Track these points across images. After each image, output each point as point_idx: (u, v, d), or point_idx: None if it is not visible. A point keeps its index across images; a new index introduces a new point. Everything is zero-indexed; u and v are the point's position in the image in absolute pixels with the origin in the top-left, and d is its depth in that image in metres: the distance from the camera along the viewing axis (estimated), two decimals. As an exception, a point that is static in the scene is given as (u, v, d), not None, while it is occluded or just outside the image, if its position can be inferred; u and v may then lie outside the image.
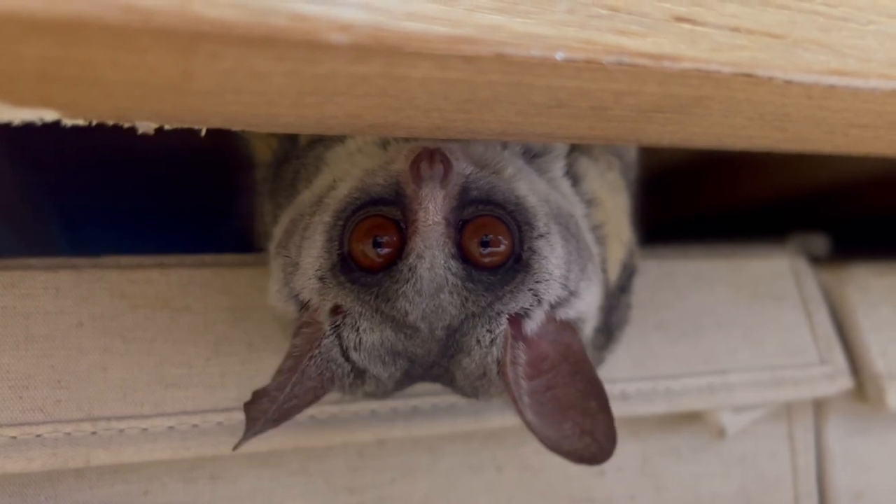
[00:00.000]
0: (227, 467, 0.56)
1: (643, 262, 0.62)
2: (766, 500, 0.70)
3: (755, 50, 0.38)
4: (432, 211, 0.45)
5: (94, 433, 0.52)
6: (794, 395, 0.69)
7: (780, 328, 0.71)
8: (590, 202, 0.55)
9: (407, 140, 0.50)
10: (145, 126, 0.37)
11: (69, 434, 0.51)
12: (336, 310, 0.47)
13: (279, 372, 0.47)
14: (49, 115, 0.34)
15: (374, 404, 0.57)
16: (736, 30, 0.38)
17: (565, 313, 0.49)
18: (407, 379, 0.50)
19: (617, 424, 0.65)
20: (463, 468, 0.62)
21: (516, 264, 0.47)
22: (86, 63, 0.31)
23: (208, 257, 0.59)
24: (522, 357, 0.48)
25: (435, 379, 0.51)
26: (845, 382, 0.70)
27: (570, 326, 0.49)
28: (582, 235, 0.52)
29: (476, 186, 0.47)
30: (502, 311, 0.47)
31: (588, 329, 0.52)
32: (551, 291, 0.48)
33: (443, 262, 0.46)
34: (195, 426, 0.54)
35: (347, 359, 0.48)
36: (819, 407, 0.72)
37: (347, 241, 0.47)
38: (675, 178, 0.99)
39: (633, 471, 0.66)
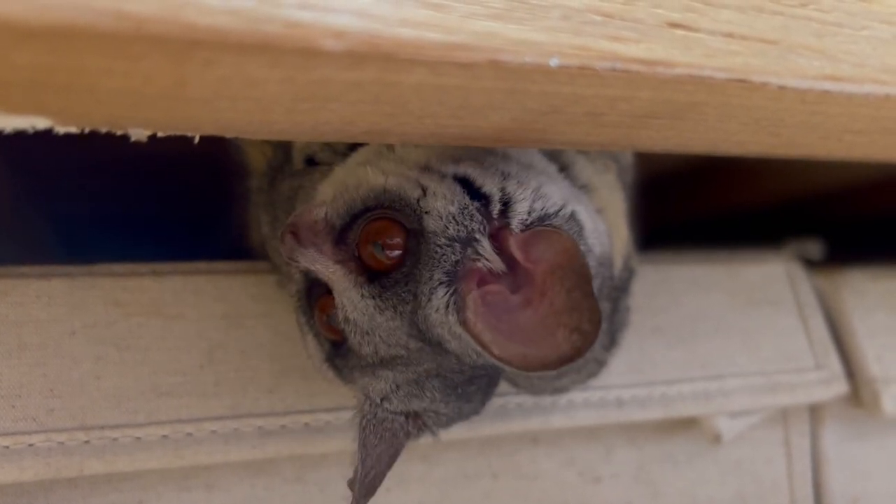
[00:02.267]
0: (223, 476, 0.56)
1: (639, 268, 0.62)
2: (763, 506, 0.70)
3: (749, 55, 0.38)
4: (324, 266, 0.46)
5: (87, 442, 0.51)
6: (789, 401, 0.69)
7: (776, 333, 0.71)
8: (584, 188, 0.53)
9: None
10: (138, 133, 0.36)
11: (62, 443, 0.51)
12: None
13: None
14: (41, 123, 0.34)
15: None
16: (730, 35, 0.38)
17: (514, 224, 0.46)
18: (459, 382, 0.49)
19: (613, 431, 0.65)
20: (458, 476, 0.62)
21: (418, 237, 0.45)
22: (78, 71, 0.31)
23: (202, 265, 0.59)
24: (490, 297, 0.45)
25: (481, 371, 0.49)
26: (841, 387, 0.70)
27: (540, 229, 0.46)
28: (517, 159, 0.49)
29: (336, 215, 0.47)
30: (437, 285, 0.45)
31: (589, 235, 0.49)
32: (469, 227, 0.45)
33: (357, 294, 0.46)
34: (189, 435, 0.53)
35: (385, 409, 0.49)
36: (815, 412, 0.72)
37: (317, 327, 0.50)
38: (671, 183, 0.99)
39: (629, 477, 0.66)
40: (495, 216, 0.46)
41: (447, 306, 0.44)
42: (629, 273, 0.59)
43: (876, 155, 0.51)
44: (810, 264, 0.77)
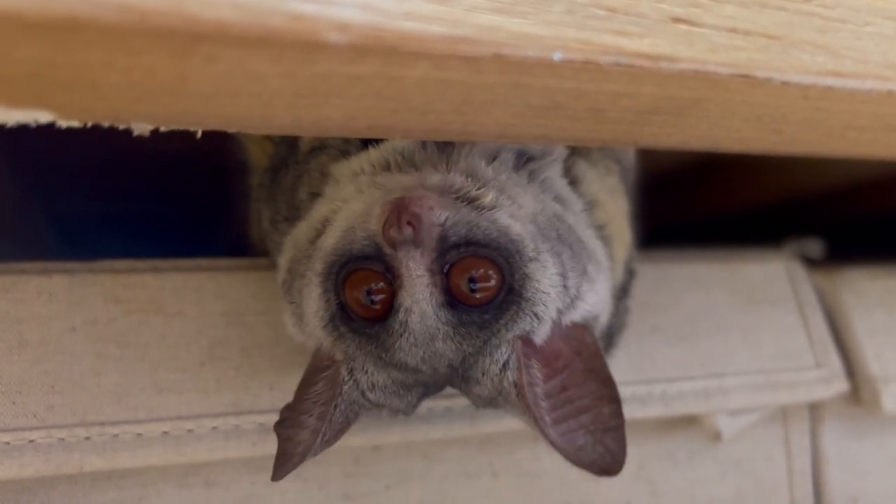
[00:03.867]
0: (223, 473, 0.56)
1: (640, 266, 0.62)
2: (763, 505, 0.70)
3: (752, 51, 0.38)
4: (413, 268, 0.46)
5: (87, 439, 0.51)
6: (789, 399, 0.69)
7: (776, 332, 0.71)
8: (591, 203, 0.55)
9: (404, 161, 0.50)
10: (141, 128, 0.36)
11: (63, 440, 0.51)
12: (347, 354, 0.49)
13: (304, 412, 0.49)
14: (44, 117, 0.33)
15: (370, 409, 0.57)
16: (733, 31, 0.38)
17: (570, 318, 0.50)
18: (427, 395, 0.52)
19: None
20: (459, 474, 0.62)
21: (509, 294, 0.47)
22: (80, 64, 0.31)
23: (203, 261, 0.59)
24: (538, 374, 0.48)
25: (455, 387, 0.51)
26: (841, 386, 0.70)
27: (581, 325, 0.50)
28: (576, 237, 0.52)
29: (454, 232, 0.47)
30: (502, 341, 0.48)
31: (602, 321, 0.53)
32: (550, 308, 0.48)
33: (432, 312, 0.46)
34: (190, 431, 0.53)
35: (365, 398, 0.49)
36: (815, 410, 0.72)
37: (342, 293, 0.48)
38: (672, 182, 0.99)
39: (628, 475, 0.66)
40: (563, 307, 0.49)
41: (505, 366, 0.48)
42: (630, 276, 0.59)
43: (878, 152, 0.51)
44: (810, 263, 0.77)
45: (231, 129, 0.40)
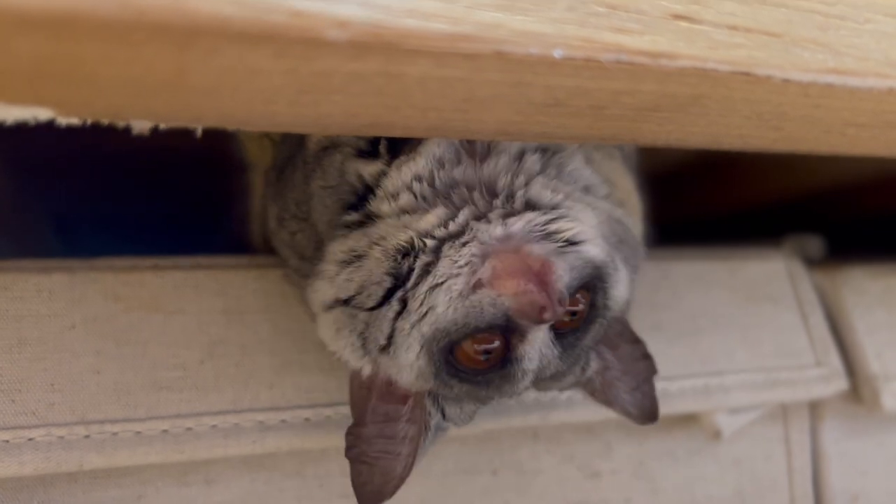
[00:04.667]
0: (222, 471, 0.56)
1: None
2: (762, 503, 0.70)
3: (753, 48, 0.38)
4: (543, 325, 0.48)
5: (87, 437, 0.51)
6: (789, 397, 0.69)
7: (776, 330, 0.71)
8: (606, 182, 0.56)
9: (444, 183, 0.50)
10: (140, 125, 0.36)
11: (62, 438, 0.51)
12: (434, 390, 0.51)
13: (382, 438, 0.51)
14: (43, 114, 0.33)
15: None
16: (733, 28, 0.38)
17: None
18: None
19: (612, 427, 0.65)
20: (458, 471, 0.62)
21: (593, 308, 0.50)
22: (79, 59, 0.31)
23: (202, 259, 0.59)
24: (608, 358, 0.55)
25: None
26: (841, 384, 0.70)
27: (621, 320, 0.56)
28: (629, 233, 0.55)
29: (569, 285, 0.48)
30: (588, 351, 0.52)
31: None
32: (620, 307, 0.53)
33: (548, 352, 0.49)
34: (189, 429, 0.53)
35: (445, 422, 0.53)
36: (815, 409, 0.72)
37: (452, 353, 0.48)
38: (672, 180, 0.99)
39: (628, 474, 0.66)
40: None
41: (586, 364, 0.54)
42: (642, 245, 0.60)
43: (878, 150, 0.51)
44: (811, 261, 0.77)
45: (231, 126, 0.40)
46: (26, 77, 0.31)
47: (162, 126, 0.37)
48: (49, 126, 0.35)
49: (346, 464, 0.58)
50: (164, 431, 0.53)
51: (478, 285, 0.47)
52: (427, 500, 0.60)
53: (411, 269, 0.48)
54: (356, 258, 0.50)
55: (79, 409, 0.52)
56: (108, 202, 0.96)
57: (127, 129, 0.37)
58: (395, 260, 0.49)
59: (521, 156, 0.51)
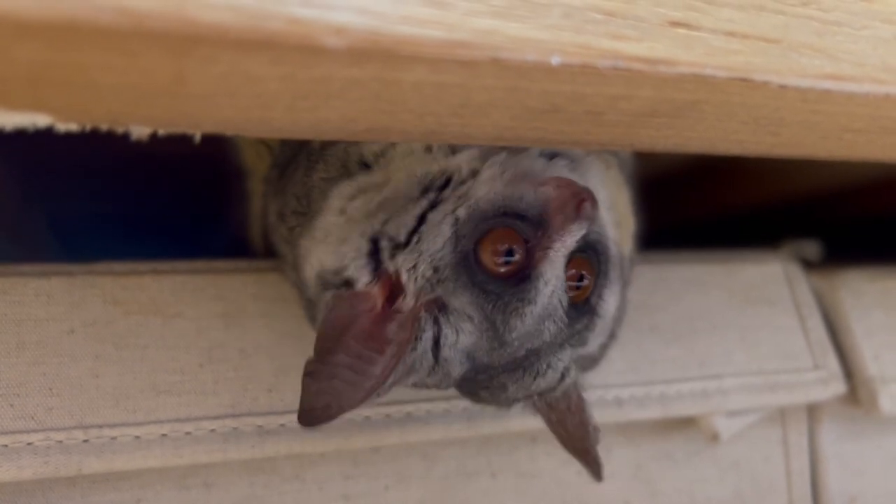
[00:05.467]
0: (221, 475, 0.56)
1: (638, 267, 0.62)
2: (761, 505, 0.70)
3: (750, 54, 0.38)
4: (567, 245, 0.48)
5: (86, 441, 0.51)
6: (787, 400, 0.69)
7: (774, 333, 0.71)
8: (610, 209, 0.56)
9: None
10: (139, 131, 0.36)
11: (61, 442, 0.51)
12: (437, 303, 0.48)
13: (367, 359, 0.47)
14: (42, 120, 0.33)
15: (368, 411, 0.57)
16: (731, 34, 0.38)
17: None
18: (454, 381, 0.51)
19: (611, 430, 0.65)
20: (457, 474, 0.62)
21: (586, 305, 0.50)
22: (77, 66, 0.31)
23: (201, 263, 0.59)
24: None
25: (481, 384, 0.52)
26: (839, 387, 0.70)
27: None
28: (627, 279, 0.56)
29: (592, 234, 0.49)
30: (570, 346, 0.51)
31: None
32: (600, 337, 0.53)
33: (560, 293, 0.48)
34: (188, 433, 0.53)
35: (436, 354, 0.48)
36: (812, 411, 0.72)
37: (478, 243, 0.47)
38: (670, 184, 0.99)
39: (627, 476, 0.66)
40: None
41: (566, 370, 0.52)
42: (630, 264, 0.60)
43: (875, 154, 0.51)
44: (808, 264, 0.77)
45: (229, 132, 0.40)
46: (25, 84, 0.31)
47: (161, 132, 0.37)
48: (50, 130, 0.35)
49: (346, 467, 0.58)
50: (163, 435, 0.53)
51: (520, 179, 0.48)
52: (426, 503, 0.60)
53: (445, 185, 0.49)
54: (373, 187, 0.50)
55: (78, 414, 0.52)
56: (108, 205, 0.96)
57: (126, 135, 0.37)
58: (423, 184, 0.49)
59: (552, 156, 0.52)
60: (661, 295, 0.69)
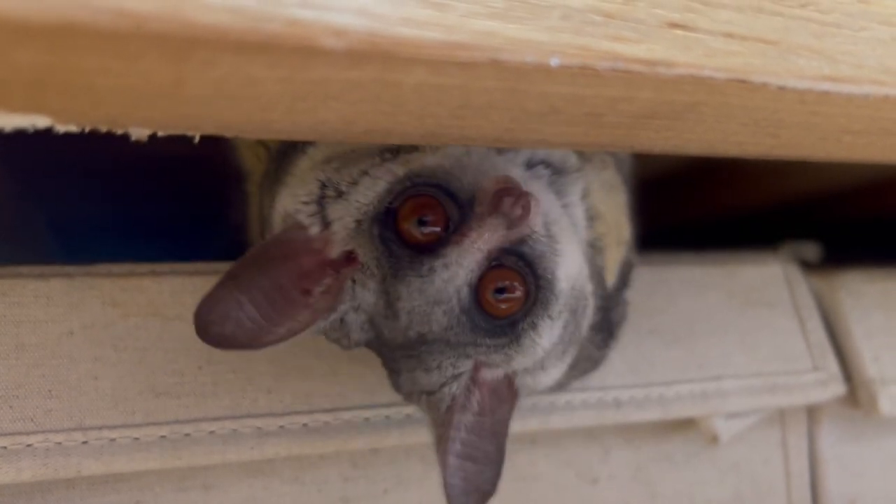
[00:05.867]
0: (220, 477, 0.56)
1: (637, 269, 0.62)
2: (760, 507, 0.70)
3: (749, 56, 0.39)
4: (484, 240, 0.46)
5: (85, 443, 0.51)
6: (787, 402, 0.69)
7: (773, 334, 0.71)
8: (591, 218, 0.55)
9: None
10: (138, 132, 0.36)
11: (60, 444, 0.51)
12: (350, 256, 0.48)
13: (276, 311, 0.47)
14: (41, 122, 0.33)
15: (368, 413, 0.57)
16: (730, 36, 0.38)
17: (523, 379, 0.51)
18: (366, 345, 0.51)
19: (610, 432, 0.65)
20: (456, 476, 0.62)
21: (510, 327, 0.48)
22: (77, 69, 0.31)
23: (200, 265, 0.59)
24: (474, 406, 0.49)
25: (383, 359, 0.51)
26: (838, 388, 0.70)
27: (515, 392, 0.51)
28: (582, 320, 0.53)
29: (531, 247, 0.48)
30: (472, 356, 0.49)
31: (537, 391, 0.54)
32: (524, 364, 0.50)
33: (459, 284, 0.47)
34: (187, 435, 0.53)
35: (345, 311, 0.48)
36: (812, 413, 0.72)
37: (402, 201, 0.47)
38: (668, 185, 0.99)
39: (626, 478, 0.66)
40: (527, 369, 0.51)
41: (457, 377, 0.49)
42: (629, 267, 0.60)
43: (874, 156, 0.51)
44: (807, 266, 0.77)
45: (229, 134, 0.40)
46: (25, 86, 0.31)
47: (160, 133, 0.37)
48: (49, 131, 0.35)
49: (345, 469, 0.58)
50: (163, 437, 0.53)
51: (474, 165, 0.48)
52: (425, 505, 0.60)
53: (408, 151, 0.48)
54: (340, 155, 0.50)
55: (77, 415, 0.52)
56: (106, 206, 0.96)
57: (125, 136, 0.37)
58: (388, 146, 0.49)
59: (532, 164, 0.52)
60: (660, 296, 0.69)
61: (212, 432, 0.54)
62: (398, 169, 0.48)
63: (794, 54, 0.39)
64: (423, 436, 0.58)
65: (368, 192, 0.48)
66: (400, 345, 0.49)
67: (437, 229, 0.47)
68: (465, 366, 0.49)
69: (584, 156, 0.56)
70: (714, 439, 0.67)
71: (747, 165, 0.96)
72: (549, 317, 0.49)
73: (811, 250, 0.78)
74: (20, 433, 0.50)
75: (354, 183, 0.48)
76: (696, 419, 0.67)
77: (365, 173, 0.49)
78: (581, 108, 0.39)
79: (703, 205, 1.15)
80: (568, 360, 0.53)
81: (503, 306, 0.48)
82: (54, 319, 0.53)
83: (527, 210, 0.46)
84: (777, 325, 0.71)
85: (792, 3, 0.40)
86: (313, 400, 0.57)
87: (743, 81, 0.38)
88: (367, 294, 0.48)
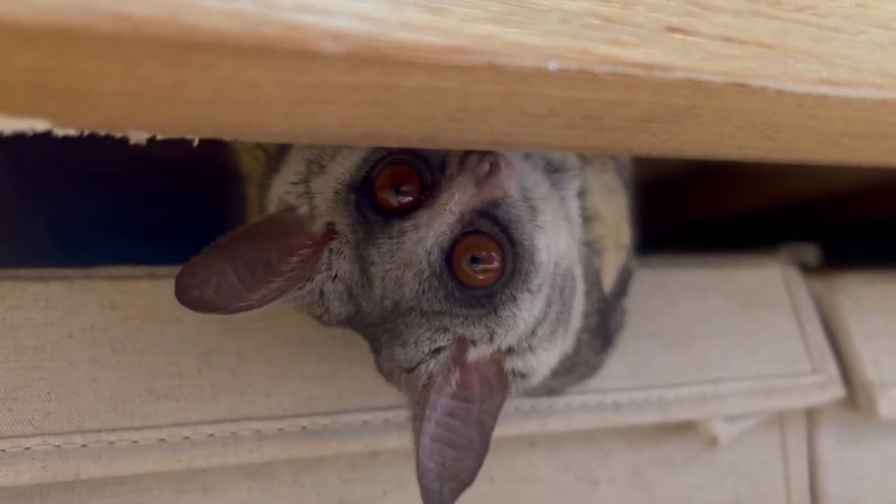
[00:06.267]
0: (219, 479, 0.56)
1: (636, 272, 0.62)
2: (759, 510, 0.70)
3: (747, 60, 0.39)
4: (454, 201, 0.46)
5: (84, 446, 0.51)
6: (786, 404, 0.69)
7: (773, 337, 0.71)
8: (589, 218, 0.55)
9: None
10: (137, 136, 0.36)
11: (59, 447, 0.51)
12: (330, 228, 0.48)
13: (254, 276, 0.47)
14: (40, 125, 0.33)
15: (367, 415, 0.57)
16: (728, 40, 0.38)
17: (512, 363, 0.50)
18: (349, 324, 0.51)
19: (610, 435, 0.65)
20: (456, 479, 0.62)
21: (488, 298, 0.47)
22: (76, 73, 0.31)
23: (199, 268, 0.59)
24: (450, 387, 0.48)
25: (368, 339, 0.51)
26: (837, 391, 0.70)
27: (504, 379, 0.50)
28: (571, 300, 0.52)
29: (506, 211, 0.47)
30: (450, 328, 0.48)
31: (531, 383, 0.53)
32: (507, 339, 0.49)
33: (429, 246, 0.46)
34: (186, 438, 0.53)
35: (322, 281, 0.48)
36: (811, 416, 0.72)
37: (378, 170, 0.47)
38: (667, 188, 0.99)
39: (625, 481, 0.66)
40: (512, 348, 0.50)
41: (436, 352, 0.48)
42: (627, 275, 0.59)
43: (872, 159, 0.51)
44: (806, 268, 0.77)
45: (227, 137, 0.41)
46: (24, 90, 0.31)
47: (159, 136, 0.38)
48: (49, 134, 0.35)
49: (344, 472, 0.58)
50: (161, 440, 0.53)
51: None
52: (424, 508, 0.60)
53: None
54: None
55: (76, 418, 0.52)
56: (105, 209, 0.96)
57: (124, 139, 0.37)
58: None
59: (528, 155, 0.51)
60: (659, 299, 0.69)
61: (211, 435, 0.54)
62: None
63: (792, 58, 0.39)
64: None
65: (345, 162, 0.48)
66: (378, 319, 0.49)
67: (412, 198, 0.47)
68: (443, 340, 0.48)
69: (584, 158, 0.55)
70: (713, 442, 0.67)
71: (746, 168, 0.96)
72: (529, 290, 0.48)
73: (810, 253, 0.78)
74: (19, 436, 0.50)
75: (333, 156, 0.49)
76: (695, 422, 0.67)
77: (338, 150, 0.49)
78: (579, 112, 0.39)
79: (701, 208, 1.15)
80: (558, 344, 0.52)
81: (480, 277, 0.47)
82: (53, 322, 0.53)
83: (495, 167, 0.46)
84: (776, 327, 0.71)
85: (790, 6, 0.40)
86: (312, 403, 0.57)
87: (741, 85, 0.39)
88: (343, 262, 0.48)
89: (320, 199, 0.49)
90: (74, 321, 0.54)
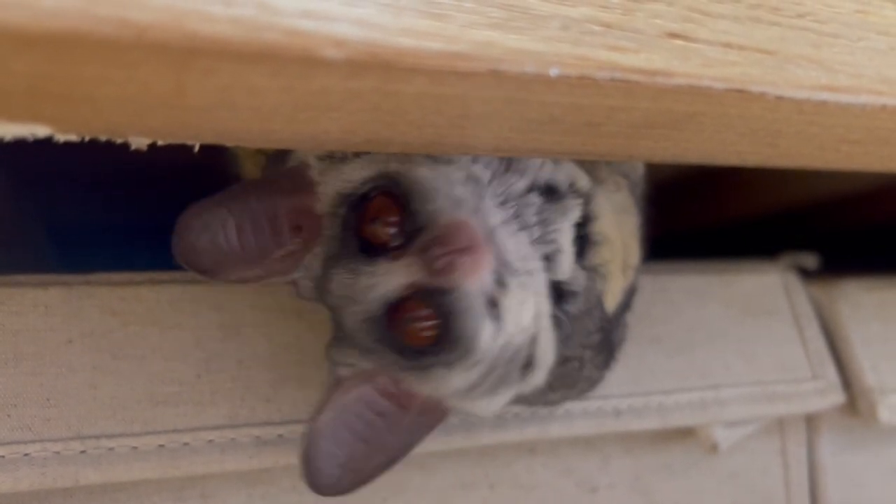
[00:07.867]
0: (219, 486, 0.56)
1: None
2: (760, 516, 0.70)
3: (747, 66, 0.39)
4: (406, 272, 0.45)
5: (83, 452, 0.51)
6: (786, 411, 0.69)
7: (772, 343, 0.71)
8: (596, 243, 0.52)
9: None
10: (138, 141, 0.36)
11: (58, 453, 0.51)
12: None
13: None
14: (41, 131, 0.33)
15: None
16: (728, 46, 0.39)
17: (453, 403, 0.51)
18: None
19: (610, 441, 0.65)
20: (455, 486, 0.61)
21: (420, 355, 0.47)
22: (77, 79, 0.31)
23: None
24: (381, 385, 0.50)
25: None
26: (837, 397, 0.70)
27: (445, 412, 0.51)
28: (532, 359, 0.50)
29: (452, 304, 0.45)
30: (376, 363, 0.49)
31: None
32: (439, 392, 0.49)
33: (377, 296, 0.46)
34: (186, 444, 0.53)
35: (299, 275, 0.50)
36: (811, 422, 0.72)
37: (370, 205, 0.47)
38: (667, 194, 0.99)
39: (625, 487, 0.66)
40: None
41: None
42: (633, 291, 0.59)
43: (872, 165, 0.51)
44: (806, 275, 0.77)
45: (229, 143, 0.41)
46: (24, 96, 0.31)
47: (160, 142, 0.38)
48: (49, 139, 0.35)
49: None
50: (161, 446, 0.53)
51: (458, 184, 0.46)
52: (424, 515, 0.60)
53: None
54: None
55: (75, 425, 0.52)
56: (105, 215, 0.96)
57: (125, 145, 0.37)
58: None
59: (529, 189, 0.49)
60: (659, 306, 0.69)
61: (210, 441, 0.54)
62: (391, 165, 0.47)
63: (792, 64, 0.40)
64: (421, 444, 0.58)
65: (355, 174, 0.48)
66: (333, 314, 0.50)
67: (389, 237, 0.46)
68: (365, 365, 0.49)
69: (597, 178, 0.54)
70: (713, 448, 0.67)
71: (746, 174, 0.97)
72: (463, 368, 0.47)
73: (810, 259, 0.78)
74: (18, 442, 0.50)
75: (352, 159, 0.48)
76: (695, 428, 0.67)
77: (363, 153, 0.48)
78: (580, 118, 0.39)
79: (701, 213, 1.15)
80: (508, 392, 0.50)
81: (412, 336, 0.46)
82: (53, 328, 0.53)
83: (450, 269, 0.43)
84: (776, 333, 0.71)
85: (790, 13, 0.40)
86: (312, 409, 0.56)
87: (741, 91, 0.39)
88: (315, 264, 0.49)
89: (326, 187, 0.49)
90: (74, 327, 0.54)
